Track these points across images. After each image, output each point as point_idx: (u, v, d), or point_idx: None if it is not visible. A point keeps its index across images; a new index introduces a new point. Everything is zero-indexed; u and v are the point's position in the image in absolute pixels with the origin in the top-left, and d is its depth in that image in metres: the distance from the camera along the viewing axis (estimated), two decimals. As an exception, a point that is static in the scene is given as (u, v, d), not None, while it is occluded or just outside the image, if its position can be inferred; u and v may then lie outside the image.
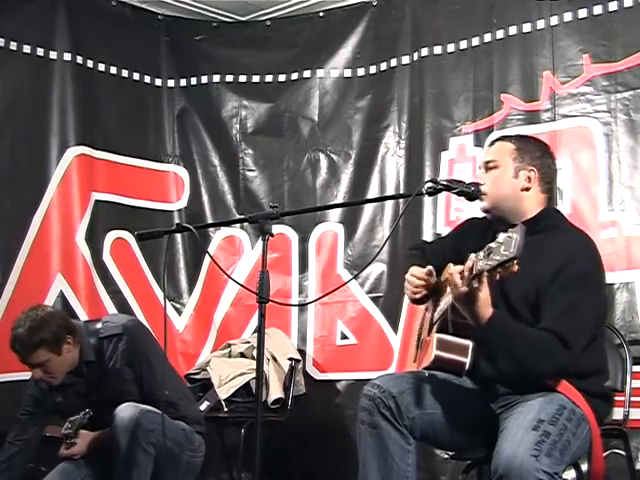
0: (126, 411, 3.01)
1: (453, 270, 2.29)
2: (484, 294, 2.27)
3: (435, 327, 2.53)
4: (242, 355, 4.30)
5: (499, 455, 2.23)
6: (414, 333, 2.87)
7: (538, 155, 2.63)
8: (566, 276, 2.43)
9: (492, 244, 2.13)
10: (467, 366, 2.43)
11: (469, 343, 2.42)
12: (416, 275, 2.62)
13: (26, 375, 3.57)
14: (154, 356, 3.21)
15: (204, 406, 4.03)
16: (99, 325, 3.27)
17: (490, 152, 2.68)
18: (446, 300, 2.44)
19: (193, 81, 4.82)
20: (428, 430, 2.49)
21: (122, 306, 4.46)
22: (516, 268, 2.09)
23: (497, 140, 2.71)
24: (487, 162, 2.63)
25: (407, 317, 4.15)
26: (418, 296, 2.62)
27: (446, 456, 3.67)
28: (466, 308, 2.31)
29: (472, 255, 2.24)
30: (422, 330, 2.74)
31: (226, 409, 4.05)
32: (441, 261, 2.75)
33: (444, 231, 3.98)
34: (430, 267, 2.58)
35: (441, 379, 2.56)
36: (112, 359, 3.19)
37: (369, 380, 2.59)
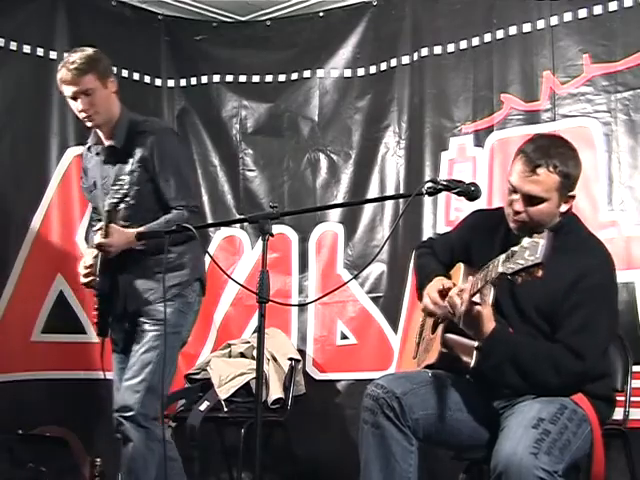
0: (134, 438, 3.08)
1: (452, 293, 2.30)
2: (486, 311, 2.29)
3: (441, 326, 2.53)
4: (242, 355, 4.30)
5: (499, 452, 2.25)
6: (415, 328, 2.86)
7: (577, 177, 2.52)
8: (582, 289, 2.42)
9: (515, 248, 2.12)
10: (471, 366, 2.43)
11: (474, 343, 2.43)
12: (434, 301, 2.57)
13: (27, 375, 3.58)
14: (175, 167, 3.20)
15: (204, 406, 4.03)
16: (139, 117, 3.32)
17: (535, 184, 2.44)
18: None
19: (193, 81, 4.81)
20: (431, 431, 2.49)
21: (122, 306, 4.46)
22: (540, 273, 2.07)
23: (539, 165, 2.43)
24: (531, 197, 2.45)
25: (407, 317, 4.15)
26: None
27: (447, 456, 3.67)
28: (468, 326, 2.33)
29: (470, 278, 2.26)
30: (424, 327, 2.74)
31: (226, 409, 4.05)
32: (450, 256, 2.75)
33: (444, 231, 3.98)
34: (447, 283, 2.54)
35: (444, 379, 2.56)
36: (136, 152, 3.20)
37: (369, 380, 2.60)
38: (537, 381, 2.39)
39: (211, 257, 4.59)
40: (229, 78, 4.81)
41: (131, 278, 3.20)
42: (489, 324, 2.32)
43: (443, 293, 2.52)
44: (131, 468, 3.11)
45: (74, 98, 3.20)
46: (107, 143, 3.27)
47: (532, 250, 2.06)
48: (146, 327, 3.18)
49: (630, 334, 3.45)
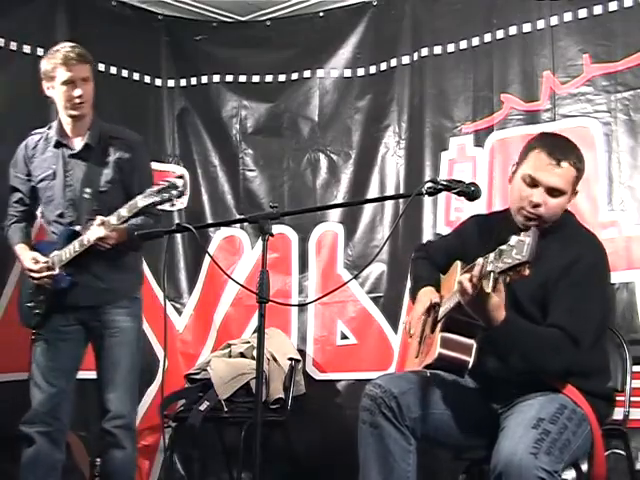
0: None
1: (462, 278, 2.27)
2: (498, 298, 2.26)
3: (440, 325, 2.53)
4: (242, 355, 4.30)
5: (498, 453, 2.25)
6: (417, 326, 2.86)
7: (583, 173, 2.62)
8: (575, 272, 2.45)
9: (503, 246, 2.11)
10: (470, 365, 2.43)
11: (473, 342, 2.42)
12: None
13: (27, 375, 3.57)
14: (148, 177, 3.37)
15: (204, 406, 4.03)
16: (107, 124, 3.45)
17: (559, 177, 2.53)
18: (452, 299, 2.44)
19: (193, 81, 4.81)
20: (430, 430, 2.49)
21: (122, 306, 4.45)
22: (527, 272, 2.07)
23: (562, 159, 2.53)
24: (553, 190, 2.52)
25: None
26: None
27: (447, 456, 3.67)
28: (478, 312, 2.31)
29: (480, 259, 2.22)
30: (425, 326, 2.74)
31: (226, 409, 4.05)
32: (446, 260, 2.75)
33: (444, 231, 3.98)
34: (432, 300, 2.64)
35: (442, 379, 2.56)
36: (113, 153, 3.32)
37: (369, 380, 2.60)
38: (539, 367, 2.41)
39: (211, 257, 4.60)
40: (229, 78, 4.81)
41: (100, 273, 3.28)
42: (500, 312, 2.29)
43: (429, 309, 2.64)
44: None
45: (70, 83, 3.23)
46: (79, 140, 3.32)
47: (519, 249, 2.07)
48: (110, 338, 3.31)
49: (630, 334, 3.44)
